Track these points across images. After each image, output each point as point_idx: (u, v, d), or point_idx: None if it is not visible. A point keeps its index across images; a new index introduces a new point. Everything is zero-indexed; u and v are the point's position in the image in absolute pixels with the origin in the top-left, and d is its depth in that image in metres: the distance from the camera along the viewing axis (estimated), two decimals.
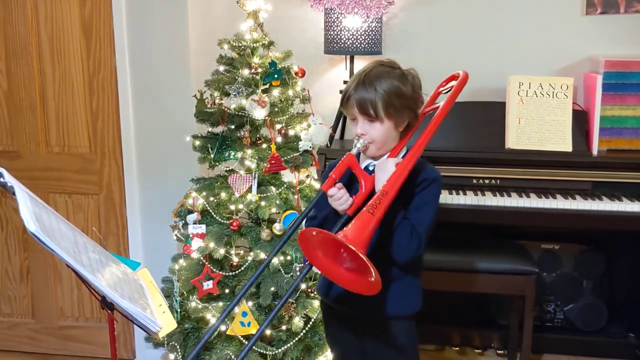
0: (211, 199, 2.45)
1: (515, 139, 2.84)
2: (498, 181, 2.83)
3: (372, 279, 1.48)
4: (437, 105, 1.90)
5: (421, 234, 1.70)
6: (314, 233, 1.52)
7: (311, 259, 1.56)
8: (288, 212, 2.40)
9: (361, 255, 1.44)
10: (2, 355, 3.26)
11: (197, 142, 2.49)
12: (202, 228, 2.40)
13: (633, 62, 2.83)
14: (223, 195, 2.43)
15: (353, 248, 1.44)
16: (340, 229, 1.60)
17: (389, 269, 1.76)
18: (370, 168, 1.78)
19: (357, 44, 2.89)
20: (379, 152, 1.77)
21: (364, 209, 1.57)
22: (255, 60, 2.40)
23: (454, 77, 1.96)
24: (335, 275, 1.56)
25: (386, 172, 1.68)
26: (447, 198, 2.73)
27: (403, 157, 1.75)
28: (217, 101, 2.45)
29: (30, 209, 1.35)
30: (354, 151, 1.73)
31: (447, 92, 1.94)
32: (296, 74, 2.49)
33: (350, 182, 1.77)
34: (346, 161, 1.71)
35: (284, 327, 2.39)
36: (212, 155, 2.43)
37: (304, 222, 1.89)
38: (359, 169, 1.74)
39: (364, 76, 1.72)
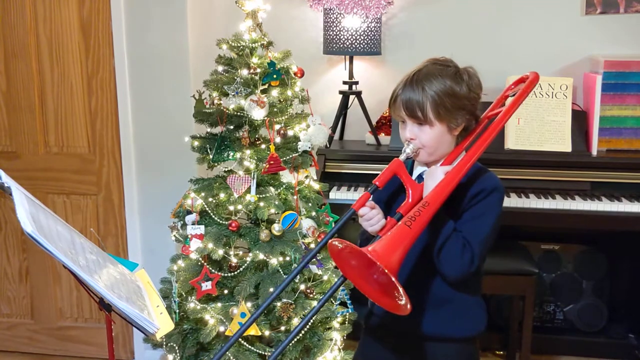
0: (210, 199, 2.44)
1: (515, 139, 2.83)
2: None
3: (401, 302, 1.35)
4: (499, 110, 1.73)
5: (475, 248, 1.54)
6: (340, 246, 1.40)
7: (343, 270, 1.44)
8: (287, 212, 2.39)
9: (390, 275, 1.30)
10: (2, 355, 3.26)
11: (196, 143, 2.49)
12: (200, 229, 2.40)
13: (632, 62, 2.83)
14: (222, 195, 2.42)
15: (381, 266, 1.31)
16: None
17: (438, 286, 1.62)
18: (424, 177, 1.61)
19: (356, 44, 2.89)
20: (432, 158, 1.61)
21: (402, 220, 1.43)
22: (254, 60, 2.40)
23: (522, 80, 1.79)
24: (367, 288, 1.43)
25: (434, 179, 1.52)
26: None
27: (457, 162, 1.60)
28: (215, 101, 2.44)
29: (27, 210, 1.35)
30: (402, 157, 1.58)
31: (514, 95, 1.77)
32: (295, 74, 2.48)
33: (400, 191, 1.62)
34: (392, 167, 1.56)
35: (282, 328, 2.39)
36: (211, 156, 2.42)
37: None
38: (406, 176, 1.57)
39: (413, 75, 1.59)
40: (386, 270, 1.32)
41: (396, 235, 1.40)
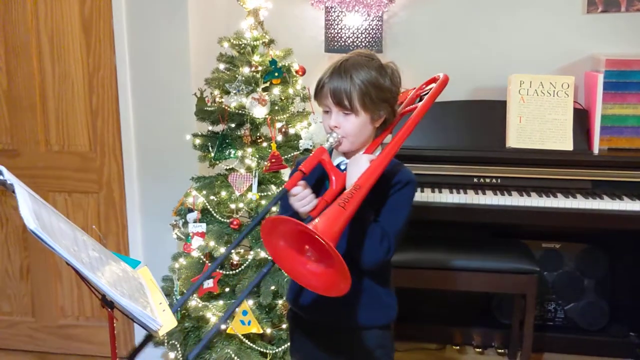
0: (211, 197, 2.45)
1: (516, 137, 2.83)
2: (499, 180, 2.82)
3: (344, 277, 1.34)
4: (415, 105, 1.80)
5: (391, 238, 1.60)
6: (282, 222, 1.38)
7: (272, 252, 1.43)
8: None
9: (331, 247, 1.30)
10: (2, 353, 3.26)
11: (198, 141, 2.49)
12: (202, 227, 2.40)
13: (634, 60, 2.83)
14: (223, 194, 2.42)
15: (323, 240, 1.30)
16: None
17: (359, 276, 1.66)
18: (342, 167, 1.66)
19: (357, 42, 2.89)
20: (353, 147, 1.65)
21: (335, 202, 1.44)
22: (256, 58, 2.40)
23: (434, 80, 1.88)
24: (298, 272, 1.43)
25: (359, 167, 1.56)
26: (447, 197, 2.73)
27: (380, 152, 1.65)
28: (217, 99, 2.44)
29: (30, 207, 1.35)
30: (326, 145, 1.62)
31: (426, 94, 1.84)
32: (296, 72, 2.48)
33: (321, 180, 1.67)
34: (317, 154, 1.60)
35: (284, 326, 2.39)
36: (213, 154, 2.42)
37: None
38: (331, 165, 1.62)
39: (340, 65, 1.62)
40: (331, 246, 1.30)
41: (332, 214, 1.41)
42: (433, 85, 1.86)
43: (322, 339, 1.78)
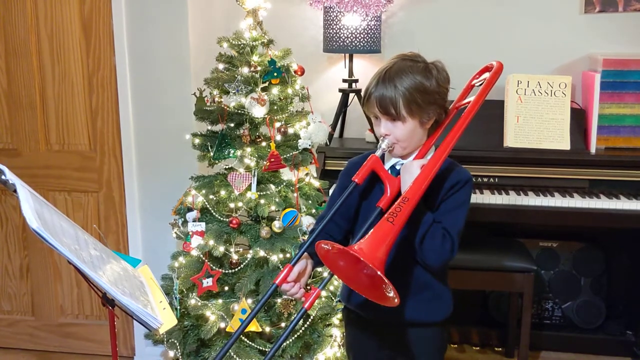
0: (211, 196, 2.46)
1: (514, 137, 2.85)
2: (496, 179, 2.84)
3: (390, 294, 1.42)
4: (468, 101, 1.76)
5: (454, 237, 1.64)
6: (328, 247, 1.45)
7: (333, 269, 1.49)
8: (287, 209, 2.41)
9: (378, 272, 1.36)
10: (2, 352, 3.27)
11: (197, 140, 2.50)
12: (201, 226, 2.41)
13: (631, 60, 2.84)
14: (222, 193, 2.44)
15: (369, 264, 1.36)
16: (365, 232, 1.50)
17: (418, 273, 1.71)
18: (397, 167, 1.69)
19: (356, 42, 2.90)
20: (406, 151, 1.68)
21: (384, 217, 1.48)
22: (255, 58, 2.41)
23: (487, 69, 1.83)
24: (357, 285, 1.49)
25: (411, 174, 1.59)
26: None
27: (431, 156, 1.67)
28: (216, 99, 2.46)
29: (32, 206, 1.36)
30: (378, 152, 1.65)
31: (480, 85, 1.80)
32: (295, 72, 2.50)
33: (372, 183, 1.70)
34: (370, 164, 1.63)
35: (282, 325, 2.40)
36: (212, 153, 2.43)
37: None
38: (384, 172, 1.65)
39: (384, 73, 1.63)
40: (372, 266, 1.36)
41: (380, 232, 1.45)
42: (486, 75, 1.80)
43: (377, 335, 1.80)
